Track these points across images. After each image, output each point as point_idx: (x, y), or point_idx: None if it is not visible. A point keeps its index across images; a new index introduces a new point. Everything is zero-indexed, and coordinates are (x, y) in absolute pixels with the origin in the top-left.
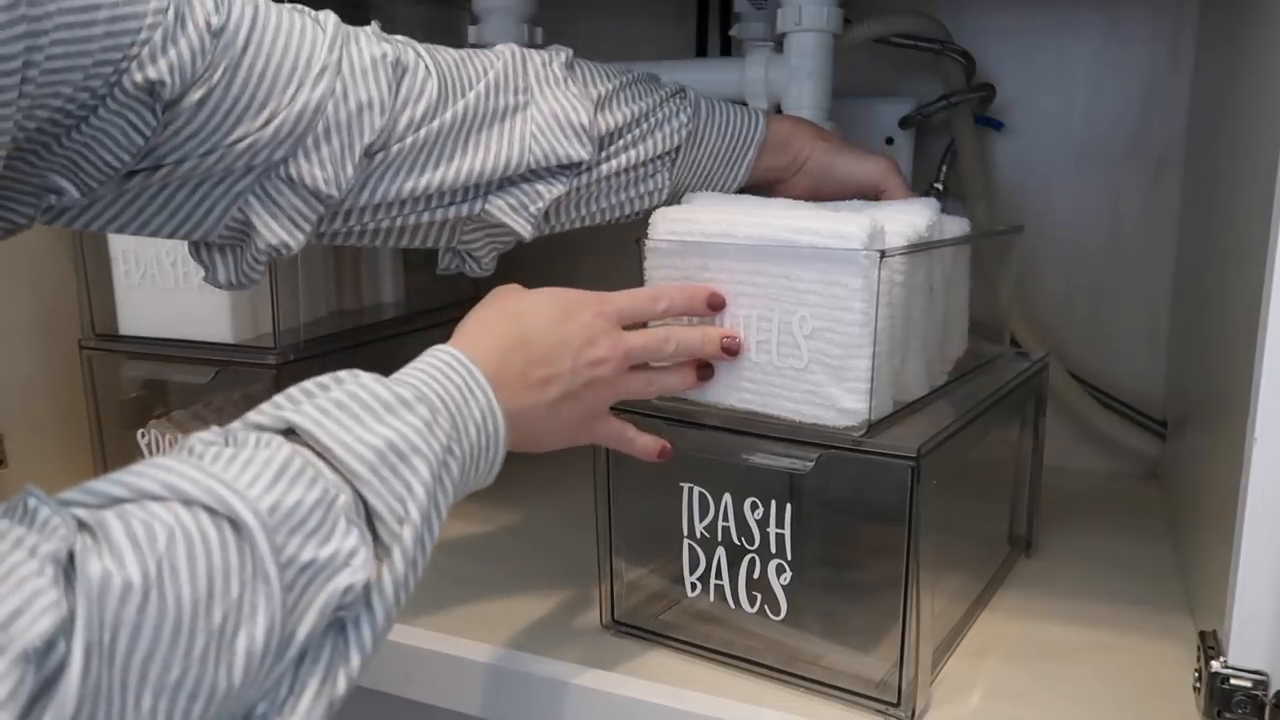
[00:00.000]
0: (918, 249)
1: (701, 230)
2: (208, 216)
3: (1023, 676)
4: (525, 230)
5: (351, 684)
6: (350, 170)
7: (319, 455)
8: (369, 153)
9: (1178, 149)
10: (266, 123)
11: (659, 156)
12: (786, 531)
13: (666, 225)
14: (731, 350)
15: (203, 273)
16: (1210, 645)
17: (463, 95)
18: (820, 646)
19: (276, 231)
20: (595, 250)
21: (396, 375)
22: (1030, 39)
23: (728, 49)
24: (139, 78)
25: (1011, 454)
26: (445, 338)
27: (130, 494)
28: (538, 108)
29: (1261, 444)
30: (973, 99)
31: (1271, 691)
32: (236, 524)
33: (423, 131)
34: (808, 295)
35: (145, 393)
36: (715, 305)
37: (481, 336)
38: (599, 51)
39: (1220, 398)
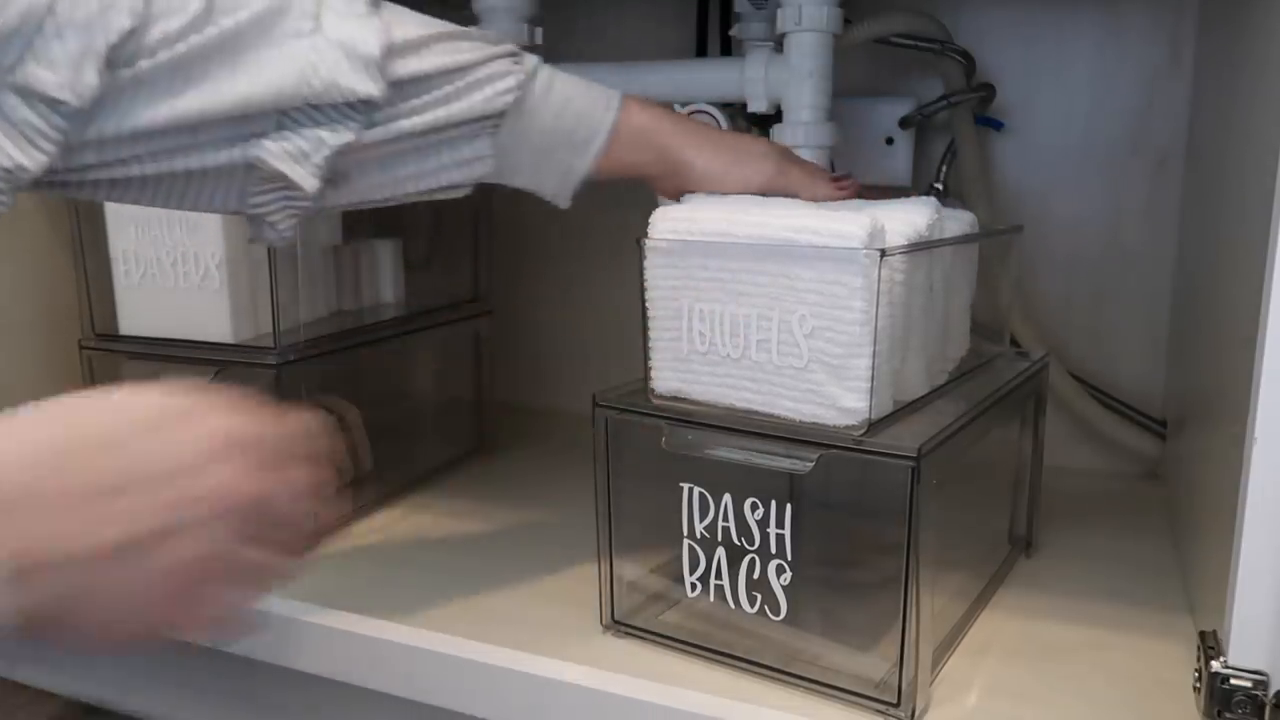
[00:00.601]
0: (918, 248)
1: (701, 229)
2: None
3: (1023, 675)
4: (309, 183)
5: None
6: (91, 76)
7: None
8: (115, 64)
9: (1178, 148)
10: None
11: (476, 120)
12: (786, 531)
13: (667, 224)
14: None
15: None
16: (1210, 645)
17: (234, 12)
18: (820, 646)
19: (10, 152)
20: (596, 250)
21: None
22: (1030, 38)
23: (728, 49)
24: None
25: (1011, 454)
26: (445, 338)
27: None
28: (325, 37)
29: (1261, 444)
30: (973, 99)
31: (1271, 691)
32: None
33: (181, 46)
34: (808, 294)
35: None
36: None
37: (36, 444)
38: (599, 51)
39: (1220, 398)
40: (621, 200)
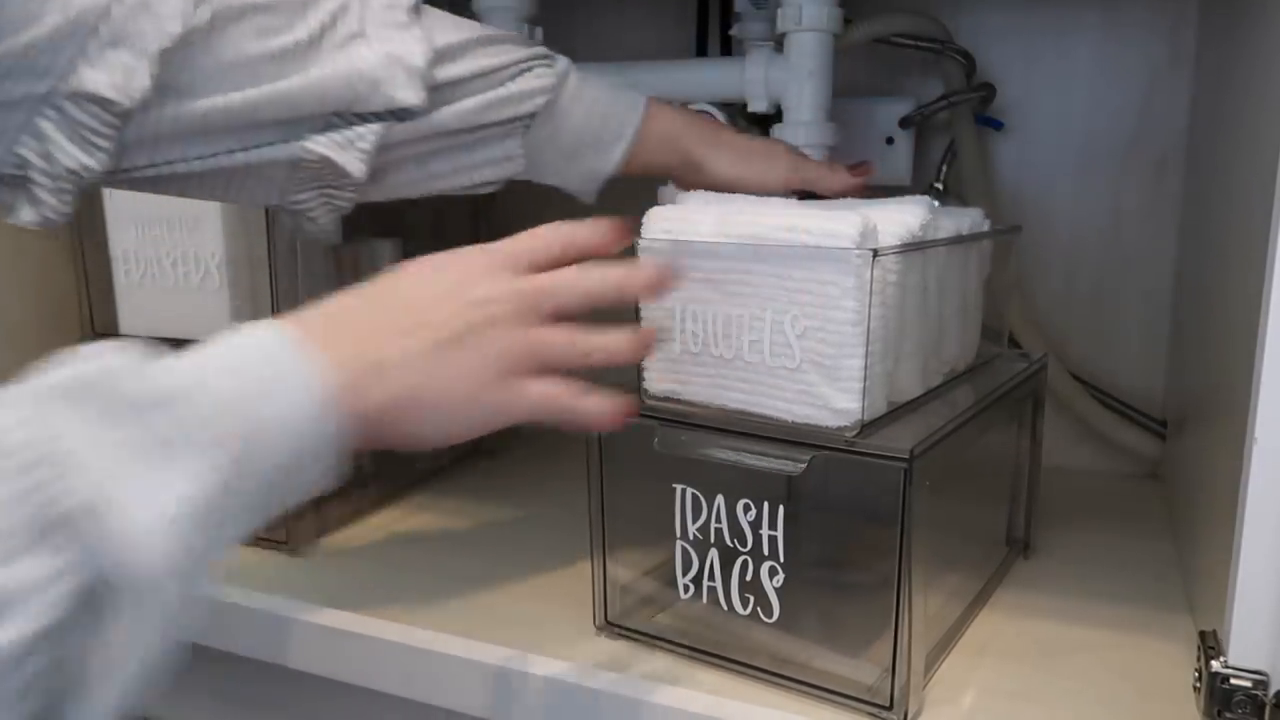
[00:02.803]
0: (911, 248)
1: (694, 229)
2: None
3: (1021, 676)
4: (357, 168)
5: None
6: (145, 79)
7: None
8: (166, 60)
9: (1178, 149)
10: (40, 30)
11: (509, 120)
12: (779, 533)
13: (660, 224)
14: (657, 284)
15: (4, 214)
16: (1210, 645)
17: (288, 26)
18: (813, 649)
19: (72, 153)
20: None
21: (188, 355)
22: (1030, 39)
23: (728, 49)
24: None
25: (1010, 454)
26: None
27: None
28: (369, 46)
29: (1261, 444)
30: (973, 99)
31: (1272, 691)
32: None
33: (236, 48)
34: (800, 294)
35: None
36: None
37: (339, 308)
38: (599, 51)
39: (1220, 398)
40: (620, 200)
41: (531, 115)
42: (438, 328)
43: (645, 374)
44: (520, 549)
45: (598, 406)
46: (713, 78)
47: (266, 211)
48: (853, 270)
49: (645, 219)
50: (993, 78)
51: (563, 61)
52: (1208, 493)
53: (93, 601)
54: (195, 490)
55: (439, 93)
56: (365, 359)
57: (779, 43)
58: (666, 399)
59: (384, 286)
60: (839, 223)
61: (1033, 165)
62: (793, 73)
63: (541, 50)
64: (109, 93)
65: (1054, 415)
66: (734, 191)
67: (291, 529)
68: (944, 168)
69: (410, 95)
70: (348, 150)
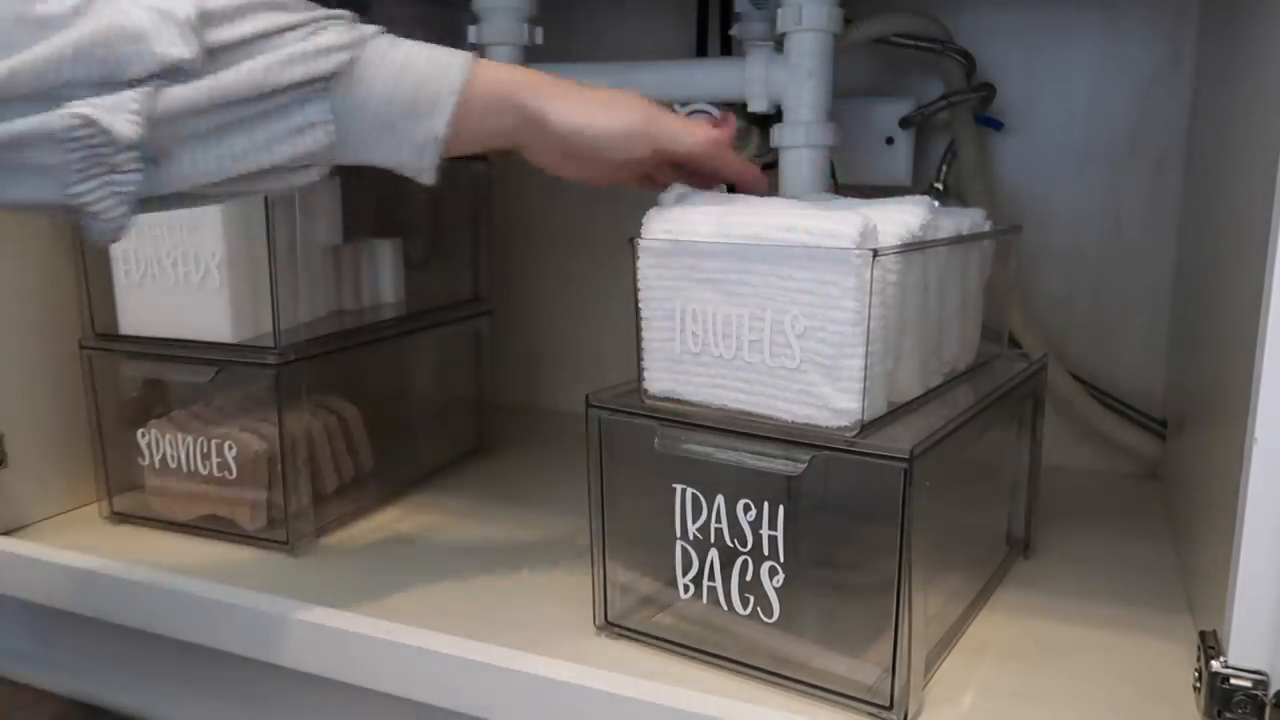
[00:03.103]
0: (911, 248)
1: (694, 229)
2: None
3: (1021, 676)
4: (130, 129)
5: None
6: None
7: None
8: None
9: (1178, 148)
10: None
11: (304, 83)
12: (779, 533)
13: (660, 224)
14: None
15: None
16: (1210, 645)
17: None
18: (813, 649)
19: None
20: (596, 251)
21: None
22: (1030, 39)
23: (728, 49)
24: None
25: (1010, 455)
26: (445, 338)
27: None
28: (134, 3)
29: (1261, 444)
30: (973, 99)
31: (1271, 691)
32: None
33: None
34: (800, 294)
35: (145, 393)
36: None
37: None
38: (599, 51)
39: (1220, 398)
40: (620, 200)
41: (329, 76)
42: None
43: (645, 374)
44: (520, 549)
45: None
46: (713, 78)
47: (266, 211)
48: (853, 270)
49: (645, 219)
50: (993, 78)
51: (371, 27)
52: (1208, 493)
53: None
54: None
55: (217, 57)
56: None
57: (779, 43)
58: (667, 399)
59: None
60: (839, 223)
61: (1033, 165)
62: (793, 73)
63: (340, 12)
64: None
65: (1054, 415)
66: (581, 142)
67: (292, 529)
68: (944, 168)
69: (181, 49)
70: (117, 113)
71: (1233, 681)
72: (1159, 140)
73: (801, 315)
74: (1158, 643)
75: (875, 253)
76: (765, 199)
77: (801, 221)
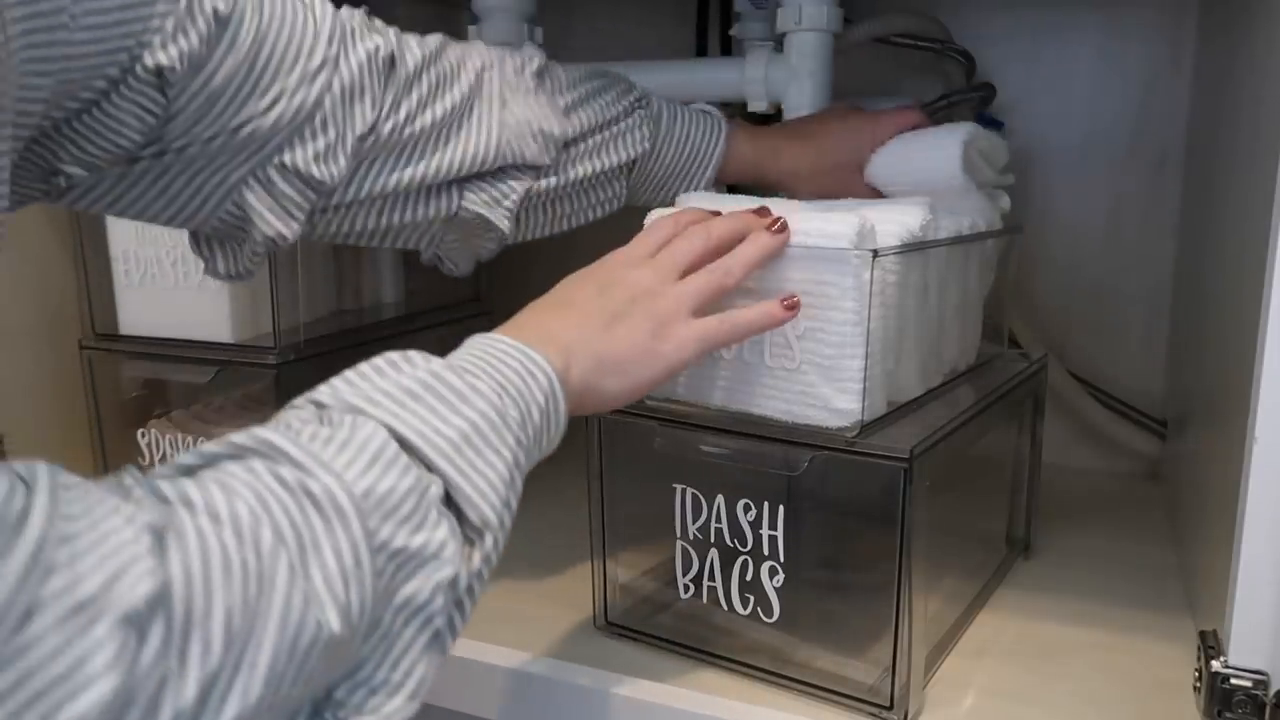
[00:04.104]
0: (910, 249)
1: None
2: (205, 204)
3: (1021, 676)
4: (505, 224)
5: (434, 671)
6: (343, 160)
7: (398, 443)
8: (360, 143)
9: (1178, 148)
10: (266, 111)
11: (617, 167)
12: (779, 533)
13: None
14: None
15: (203, 265)
16: (1210, 645)
17: (447, 92)
18: (813, 649)
19: (272, 222)
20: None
21: (452, 359)
22: (1030, 39)
23: (728, 49)
24: (150, 63)
25: (1010, 455)
26: (446, 338)
27: (231, 460)
28: (511, 112)
29: (1261, 444)
30: (973, 99)
31: (1272, 691)
32: (333, 505)
33: (411, 126)
34: (799, 295)
35: (145, 393)
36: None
37: (523, 319)
38: (599, 51)
39: (1220, 398)
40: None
41: (634, 162)
42: (601, 310)
43: None
44: (520, 548)
45: (757, 311)
46: (713, 78)
47: None
48: (851, 271)
49: (646, 221)
50: (993, 78)
51: (654, 101)
52: (1208, 493)
53: (468, 553)
54: (510, 459)
55: (565, 149)
56: (558, 346)
57: (779, 43)
58: (666, 399)
59: (554, 297)
60: (836, 224)
61: (1033, 165)
62: (793, 73)
63: (638, 93)
64: (316, 171)
65: (1054, 415)
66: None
67: None
68: None
69: (545, 157)
70: (496, 209)
71: (1233, 681)
72: (1159, 140)
73: (801, 316)
74: (1158, 643)
75: (875, 253)
76: (765, 199)
77: (800, 223)
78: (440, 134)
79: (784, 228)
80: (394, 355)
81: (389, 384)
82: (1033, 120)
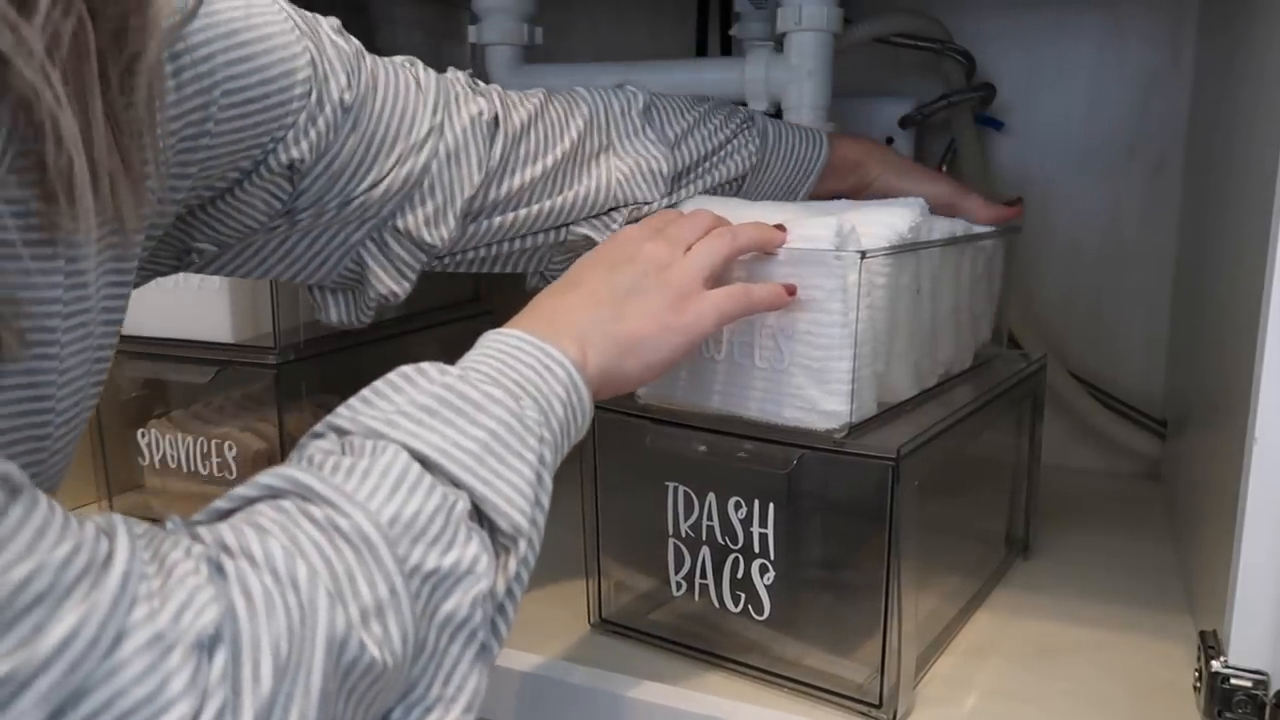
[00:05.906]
0: (898, 250)
1: None
2: (324, 265)
3: (1019, 676)
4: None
5: (486, 679)
6: (452, 222)
7: (420, 462)
8: (470, 203)
9: (1178, 149)
10: (375, 184)
11: (725, 184)
12: (770, 531)
13: None
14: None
15: (315, 309)
16: (1210, 645)
17: (553, 146)
18: (804, 647)
19: (386, 282)
20: None
21: (466, 364)
22: (1030, 39)
23: (728, 49)
24: (284, 158)
25: (1009, 455)
26: (445, 337)
27: (262, 501)
28: (619, 158)
29: (1261, 444)
30: (973, 99)
31: (1272, 691)
32: (362, 539)
33: (519, 182)
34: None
35: (145, 393)
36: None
37: (536, 307)
38: (599, 51)
39: (1220, 398)
40: None
41: (743, 177)
42: (614, 289)
43: None
44: None
45: (767, 289)
46: (713, 78)
47: None
48: (833, 273)
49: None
50: (993, 78)
51: (758, 118)
52: (1208, 493)
53: (504, 560)
54: (534, 461)
55: (673, 181)
56: (572, 335)
57: (779, 43)
58: (658, 399)
59: (566, 280)
60: (817, 227)
61: (1033, 165)
62: (793, 73)
63: (743, 115)
64: (426, 235)
65: (1054, 415)
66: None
67: None
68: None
69: (654, 193)
70: (604, 232)
71: (1233, 681)
72: (1159, 140)
73: (788, 318)
74: (1158, 643)
75: (863, 255)
76: (754, 202)
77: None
78: (548, 186)
79: (782, 226)
80: (408, 370)
81: (405, 402)
82: (1033, 120)
